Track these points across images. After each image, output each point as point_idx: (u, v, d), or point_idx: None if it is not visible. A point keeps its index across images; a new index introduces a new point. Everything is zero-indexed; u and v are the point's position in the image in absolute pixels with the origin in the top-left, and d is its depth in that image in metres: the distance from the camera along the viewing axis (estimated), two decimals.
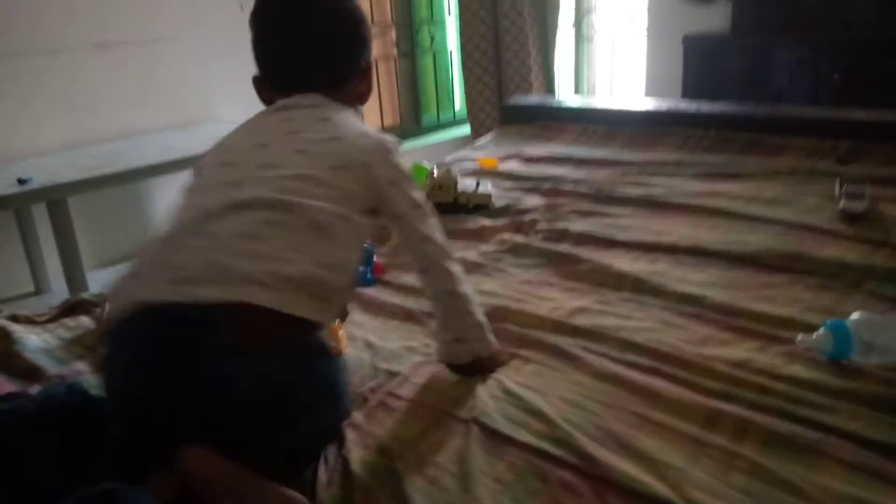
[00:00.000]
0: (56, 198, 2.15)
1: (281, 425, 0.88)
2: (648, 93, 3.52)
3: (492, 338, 1.17)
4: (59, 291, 2.44)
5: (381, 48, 3.95)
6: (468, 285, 1.17)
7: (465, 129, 4.09)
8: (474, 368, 1.14)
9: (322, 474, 0.93)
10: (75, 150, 2.53)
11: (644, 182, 2.05)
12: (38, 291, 2.53)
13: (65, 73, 2.58)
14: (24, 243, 2.48)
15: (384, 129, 3.98)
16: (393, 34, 3.95)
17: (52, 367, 1.24)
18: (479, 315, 1.17)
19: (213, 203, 0.98)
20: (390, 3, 3.92)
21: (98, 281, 2.25)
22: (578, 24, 3.98)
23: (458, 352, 1.15)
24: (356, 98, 1.25)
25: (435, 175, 1.96)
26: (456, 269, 1.16)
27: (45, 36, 2.52)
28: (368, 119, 3.91)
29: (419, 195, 1.14)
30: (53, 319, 1.43)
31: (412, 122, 4.09)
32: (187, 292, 0.87)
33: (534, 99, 3.13)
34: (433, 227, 1.15)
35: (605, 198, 1.94)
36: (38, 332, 1.37)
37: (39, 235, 2.48)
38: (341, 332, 1.30)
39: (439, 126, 4.20)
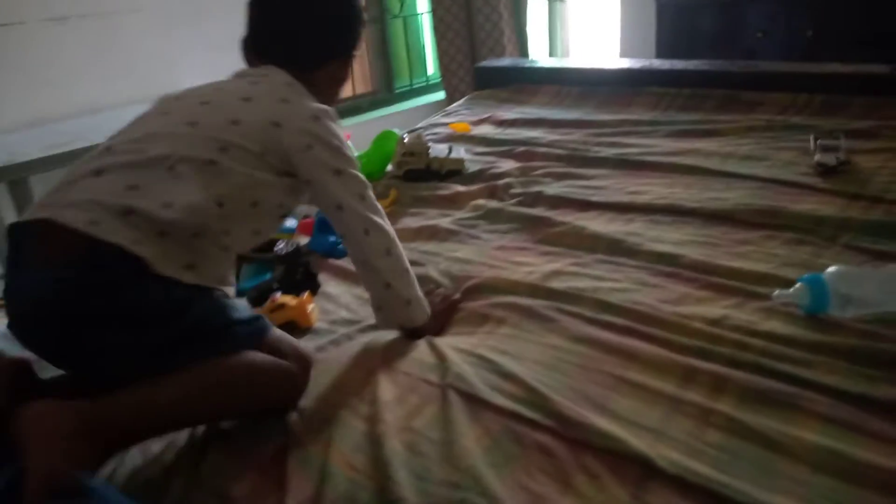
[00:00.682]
0: (17, 177, 2.09)
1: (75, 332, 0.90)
2: (623, 54, 3.48)
3: (420, 309, 1.15)
4: None
5: None
6: (390, 257, 1.12)
7: (440, 95, 4.03)
8: (406, 335, 1.15)
9: (299, 433, 0.93)
10: (37, 128, 2.46)
11: (618, 142, 2.02)
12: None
13: (24, 47, 2.49)
14: None
15: (356, 97, 3.92)
16: (366, 2, 3.86)
17: None
18: (403, 287, 1.13)
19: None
20: None
21: None
22: None
23: (380, 320, 1.16)
24: (331, 83, 1.24)
25: (406, 141, 1.92)
26: (375, 239, 1.11)
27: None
28: None
29: (345, 162, 1.11)
30: None
31: (385, 89, 4.02)
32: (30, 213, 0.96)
33: (506, 61, 3.07)
34: (353, 194, 1.11)
35: (580, 159, 1.92)
36: None
37: (2, 212, 2.41)
38: (311, 306, 1.27)
39: (413, 92, 4.13)
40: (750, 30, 2.95)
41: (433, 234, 1.59)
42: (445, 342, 1.12)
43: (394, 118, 3.79)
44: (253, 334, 0.98)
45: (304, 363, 1.01)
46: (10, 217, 2.22)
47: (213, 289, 1.00)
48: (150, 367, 0.90)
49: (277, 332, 1.03)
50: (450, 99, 3.85)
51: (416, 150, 1.90)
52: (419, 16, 4.13)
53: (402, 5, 4.01)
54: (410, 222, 1.67)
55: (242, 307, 1.04)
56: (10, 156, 2.10)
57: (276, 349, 0.99)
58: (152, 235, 0.93)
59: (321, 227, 1.58)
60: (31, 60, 2.53)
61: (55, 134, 2.34)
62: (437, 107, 3.93)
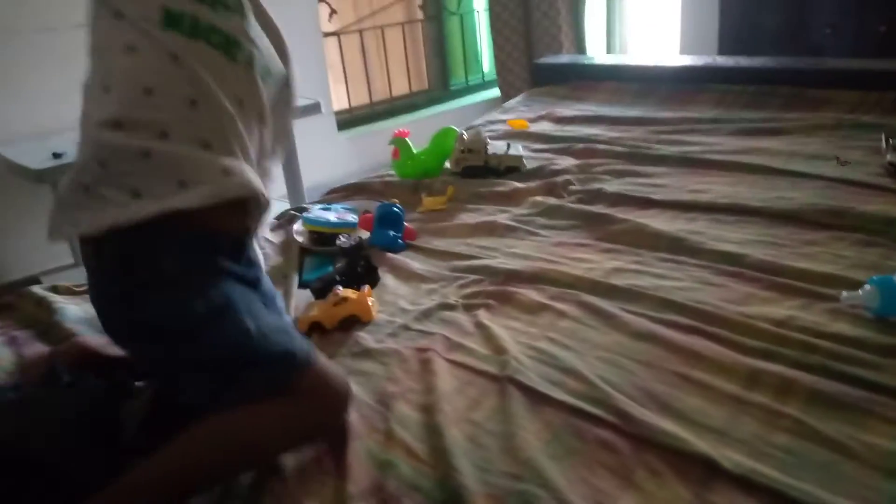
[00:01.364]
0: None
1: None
2: (683, 50, 3.41)
3: None
4: None
5: (406, 12, 3.89)
6: None
7: (495, 92, 4.03)
8: None
9: (357, 423, 0.94)
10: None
11: (680, 140, 2.00)
12: (77, 263, 2.58)
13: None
14: None
15: (412, 94, 3.95)
16: None
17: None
18: None
19: None
20: None
21: None
22: None
23: None
24: None
25: (465, 138, 1.93)
26: None
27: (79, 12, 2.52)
28: (396, 84, 3.87)
29: None
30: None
31: (440, 87, 4.05)
32: None
33: (564, 58, 3.06)
34: None
35: (640, 157, 1.90)
36: (77, 303, 1.39)
37: None
38: (372, 300, 1.29)
39: (468, 89, 4.14)
40: (817, 25, 2.87)
41: (491, 230, 1.60)
42: (503, 331, 1.13)
43: (449, 115, 3.81)
44: (278, 377, 0.88)
45: (334, 396, 0.93)
46: None
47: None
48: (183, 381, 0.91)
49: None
50: (505, 96, 3.84)
51: (475, 146, 1.91)
52: (475, 13, 4.14)
53: (459, 3, 4.02)
54: (468, 218, 1.68)
55: (274, 328, 0.92)
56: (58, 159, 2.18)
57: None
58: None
59: (381, 221, 1.60)
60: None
61: None
62: (493, 104, 3.93)
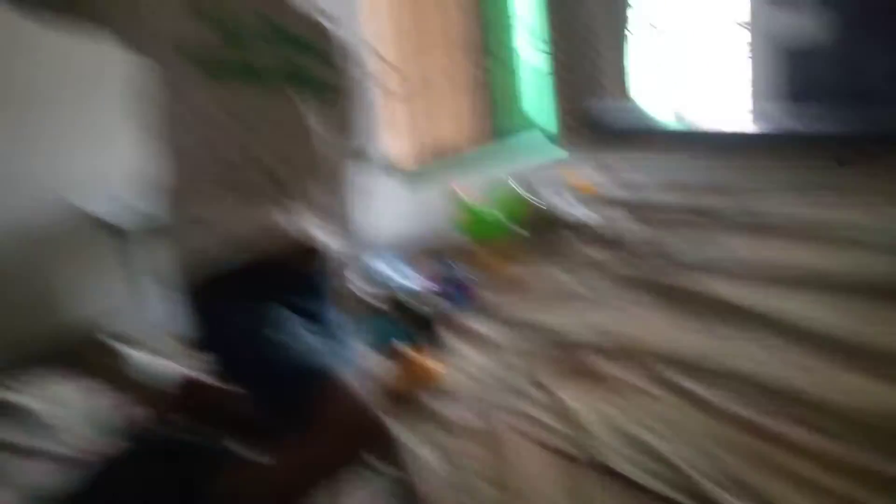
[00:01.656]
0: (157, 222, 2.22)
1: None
2: (751, 103, 3.30)
3: None
4: (154, 307, 2.51)
5: (456, 60, 3.93)
6: None
7: (553, 146, 4.01)
8: None
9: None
10: None
11: (754, 205, 1.93)
12: (135, 307, 2.62)
13: None
14: (122, 262, 2.57)
15: (464, 143, 3.95)
16: (469, 50, 3.94)
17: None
18: None
19: None
20: (466, 19, 3.91)
21: None
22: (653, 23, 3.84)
23: None
24: None
25: (529, 197, 1.91)
26: None
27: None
28: (445, 134, 3.90)
29: None
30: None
31: (496, 140, 4.05)
32: None
33: (628, 115, 3.04)
34: None
35: (712, 222, 1.85)
36: (147, 352, 1.40)
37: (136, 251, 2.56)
38: (437, 364, 1.27)
39: (521, 140, 4.14)
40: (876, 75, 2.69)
41: (562, 294, 1.57)
42: (582, 408, 1.09)
43: (502, 166, 3.80)
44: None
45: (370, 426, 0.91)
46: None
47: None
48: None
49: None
50: (559, 146, 3.83)
51: (541, 206, 1.89)
52: (524, 63, 4.16)
53: (508, 54, 4.06)
54: (537, 281, 1.66)
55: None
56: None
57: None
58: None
59: (446, 282, 1.59)
60: None
61: None
62: (542, 147, 3.91)
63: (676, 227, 1.87)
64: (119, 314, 2.56)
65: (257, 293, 0.98)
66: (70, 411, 1.26)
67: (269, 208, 0.99)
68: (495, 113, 4.03)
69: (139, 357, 1.37)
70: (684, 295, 1.47)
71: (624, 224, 1.94)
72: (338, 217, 1.09)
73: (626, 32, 3.67)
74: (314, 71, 1.04)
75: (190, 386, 1.18)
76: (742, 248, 1.68)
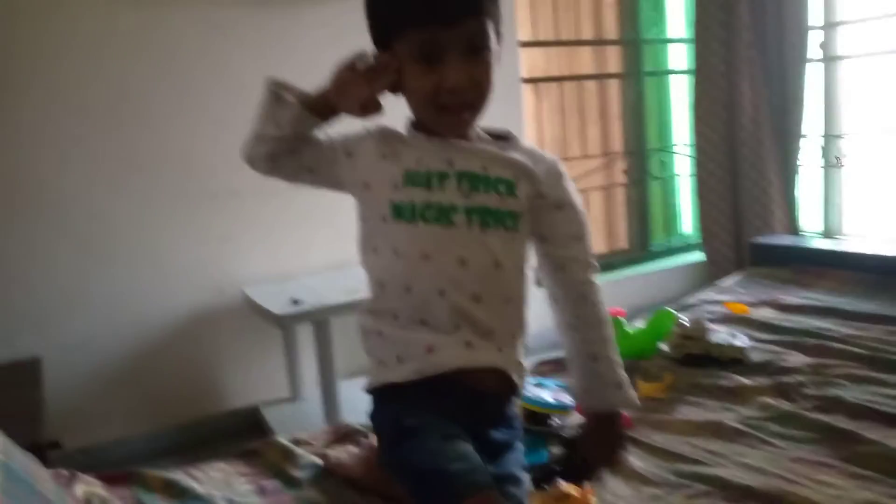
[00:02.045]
0: (322, 318, 2.39)
1: None
2: None
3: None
4: (311, 399, 2.66)
5: (608, 176, 4.00)
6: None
7: (697, 256, 3.95)
8: (612, 432, 1.23)
9: None
10: (337, 271, 2.81)
11: None
12: (294, 398, 2.78)
13: (330, 204, 2.89)
14: (286, 353, 2.76)
15: (612, 253, 3.98)
16: (623, 162, 4.00)
17: None
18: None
19: None
20: (622, 133, 3.99)
21: (348, 389, 2.41)
22: (826, 151, 3.75)
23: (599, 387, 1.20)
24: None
25: (685, 324, 1.89)
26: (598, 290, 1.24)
27: None
28: (598, 246, 3.93)
29: None
30: (327, 445, 1.56)
31: (640, 248, 4.05)
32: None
33: (785, 239, 2.96)
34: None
35: (883, 362, 1.74)
36: (317, 454, 1.49)
37: (299, 344, 2.74)
38: (595, 500, 1.26)
39: (669, 251, 4.10)
40: None
41: (717, 430, 1.52)
42: None
43: (650, 277, 3.78)
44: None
45: None
46: (310, 355, 2.53)
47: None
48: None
49: None
50: (710, 262, 3.76)
51: (695, 334, 1.86)
52: (676, 177, 4.16)
53: (662, 168, 4.08)
54: (689, 413, 1.62)
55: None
56: (319, 298, 2.41)
57: None
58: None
59: None
60: (337, 215, 2.92)
61: (350, 278, 2.65)
62: (695, 269, 3.86)
63: (840, 361, 1.78)
64: (281, 403, 2.73)
65: (433, 406, 1.07)
66: (235, 495, 1.35)
67: (457, 343, 1.08)
68: (652, 231, 4.04)
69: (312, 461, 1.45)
70: (854, 443, 1.39)
71: (780, 352, 1.87)
72: (518, 342, 1.17)
73: (797, 163, 3.60)
74: (498, 203, 1.10)
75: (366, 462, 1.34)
76: None
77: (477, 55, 1.05)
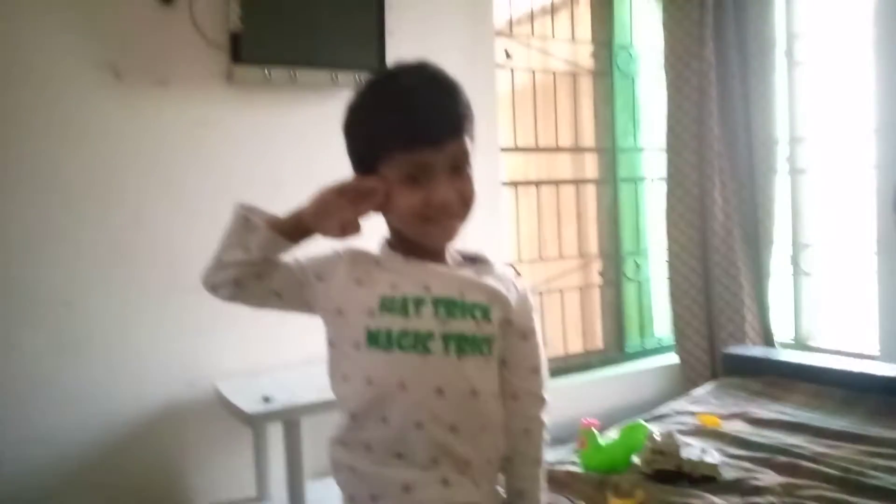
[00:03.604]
0: (292, 418, 2.35)
1: None
2: (883, 342, 3.21)
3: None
4: (278, 499, 2.58)
5: (584, 277, 4.07)
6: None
7: (671, 358, 3.97)
8: None
9: None
10: (311, 365, 2.76)
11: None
12: (260, 498, 2.70)
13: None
14: (254, 450, 2.69)
15: (587, 353, 3.99)
16: (599, 264, 4.08)
17: None
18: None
19: None
20: (597, 235, 4.09)
21: (316, 491, 2.34)
22: (795, 258, 3.86)
23: None
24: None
25: (657, 438, 1.89)
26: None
27: None
28: (570, 343, 3.95)
29: None
30: None
31: (616, 349, 4.07)
32: None
33: (756, 350, 3.00)
34: None
35: (853, 485, 1.75)
36: None
37: (268, 440, 2.68)
38: None
39: (644, 353, 4.12)
40: None
41: None
42: None
43: (624, 379, 3.79)
44: None
45: None
46: (279, 453, 2.47)
47: None
48: None
49: None
50: (683, 363, 3.78)
51: (668, 449, 1.86)
52: (650, 280, 4.24)
53: (637, 270, 4.16)
54: None
55: None
56: (291, 396, 2.37)
57: None
58: None
59: None
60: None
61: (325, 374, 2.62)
62: (669, 371, 3.87)
63: (811, 482, 1.77)
64: (248, 503, 2.64)
65: None
66: None
67: (435, 481, 1.06)
68: (627, 332, 4.08)
69: None
70: None
71: (751, 469, 1.87)
72: (494, 470, 1.15)
73: (768, 270, 3.69)
74: (474, 328, 1.10)
75: None
76: None
77: (461, 171, 1.09)
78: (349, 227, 1.10)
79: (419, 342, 1.06)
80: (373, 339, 1.07)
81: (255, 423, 2.41)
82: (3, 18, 2.36)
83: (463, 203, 1.10)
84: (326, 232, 1.11)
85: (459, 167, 1.09)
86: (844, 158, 3.62)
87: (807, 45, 3.75)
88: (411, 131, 1.04)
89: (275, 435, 2.57)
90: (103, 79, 2.51)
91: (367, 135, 1.10)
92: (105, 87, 2.51)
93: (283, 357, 2.81)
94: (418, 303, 1.08)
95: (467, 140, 1.10)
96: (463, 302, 1.10)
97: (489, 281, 1.15)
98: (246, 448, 2.71)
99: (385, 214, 1.13)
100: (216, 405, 2.59)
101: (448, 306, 1.09)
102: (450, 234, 1.13)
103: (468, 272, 1.15)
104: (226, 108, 2.71)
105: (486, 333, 1.11)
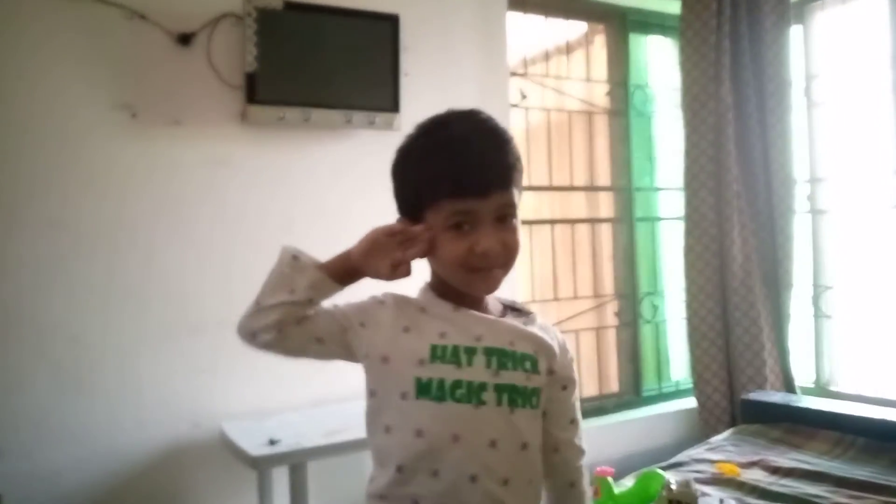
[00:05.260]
0: (298, 461, 2.30)
1: None
2: None
3: None
4: None
5: (600, 318, 4.00)
6: None
7: (689, 402, 3.87)
8: None
9: None
10: (318, 408, 2.73)
11: None
12: None
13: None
14: (259, 493, 2.64)
15: (602, 396, 3.90)
16: (615, 305, 4.02)
17: None
18: None
19: None
20: (613, 275, 4.03)
21: None
22: (815, 301, 3.77)
23: None
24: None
25: (673, 488, 1.82)
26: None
27: None
28: (586, 386, 3.87)
29: None
30: None
31: (632, 392, 3.98)
32: None
33: (776, 396, 2.91)
34: None
35: None
36: None
37: (273, 483, 2.62)
38: None
39: (661, 396, 4.03)
40: None
41: None
42: None
43: (641, 424, 3.70)
44: None
45: None
46: (284, 495, 2.42)
47: None
48: None
49: None
50: (702, 409, 3.69)
51: (684, 499, 1.79)
52: (667, 322, 4.16)
53: (655, 312, 4.09)
54: None
55: None
56: (298, 438, 2.33)
57: None
58: None
59: None
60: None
61: (332, 416, 2.57)
62: (686, 415, 3.77)
63: None
64: None
65: None
66: None
67: None
68: (643, 374, 4.00)
69: None
70: None
71: None
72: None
73: (788, 312, 3.62)
74: (525, 380, 1.08)
75: None
76: None
77: (506, 221, 1.08)
78: (400, 268, 1.08)
79: (472, 393, 1.03)
80: (424, 389, 1.04)
81: (260, 466, 2.37)
82: (23, 58, 2.41)
83: (507, 253, 1.09)
84: (377, 272, 1.09)
85: (505, 217, 1.08)
86: (865, 198, 3.56)
87: (825, 85, 3.73)
88: (459, 180, 1.04)
89: (280, 477, 2.52)
90: (119, 118, 2.54)
91: (416, 180, 1.10)
92: (120, 126, 2.54)
93: (290, 399, 2.78)
94: (470, 353, 1.06)
95: (515, 192, 1.10)
96: (514, 353, 1.08)
97: (535, 331, 1.14)
98: (250, 491, 2.66)
99: (430, 260, 1.13)
100: (221, 446, 2.55)
101: (500, 357, 1.07)
102: (492, 284, 1.11)
103: (515, 322, 1.14)
104: (239, 147, 2.72)
105: (535, 385, 1.10)
